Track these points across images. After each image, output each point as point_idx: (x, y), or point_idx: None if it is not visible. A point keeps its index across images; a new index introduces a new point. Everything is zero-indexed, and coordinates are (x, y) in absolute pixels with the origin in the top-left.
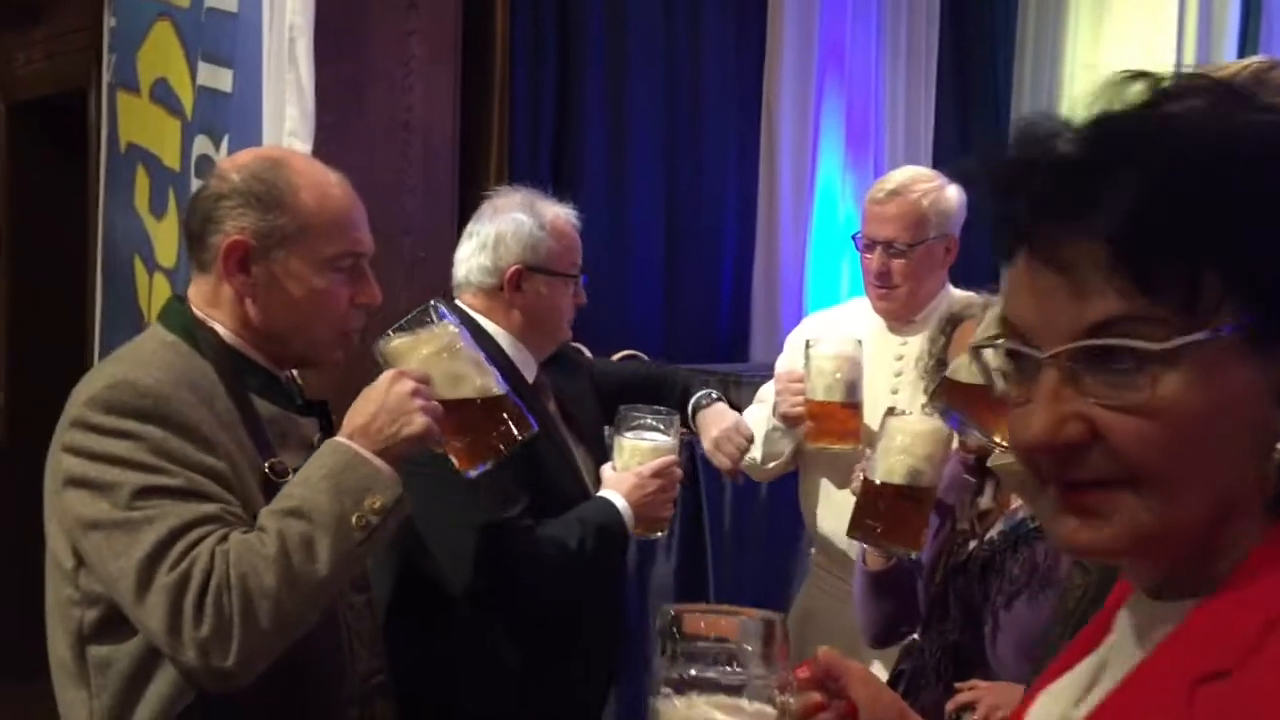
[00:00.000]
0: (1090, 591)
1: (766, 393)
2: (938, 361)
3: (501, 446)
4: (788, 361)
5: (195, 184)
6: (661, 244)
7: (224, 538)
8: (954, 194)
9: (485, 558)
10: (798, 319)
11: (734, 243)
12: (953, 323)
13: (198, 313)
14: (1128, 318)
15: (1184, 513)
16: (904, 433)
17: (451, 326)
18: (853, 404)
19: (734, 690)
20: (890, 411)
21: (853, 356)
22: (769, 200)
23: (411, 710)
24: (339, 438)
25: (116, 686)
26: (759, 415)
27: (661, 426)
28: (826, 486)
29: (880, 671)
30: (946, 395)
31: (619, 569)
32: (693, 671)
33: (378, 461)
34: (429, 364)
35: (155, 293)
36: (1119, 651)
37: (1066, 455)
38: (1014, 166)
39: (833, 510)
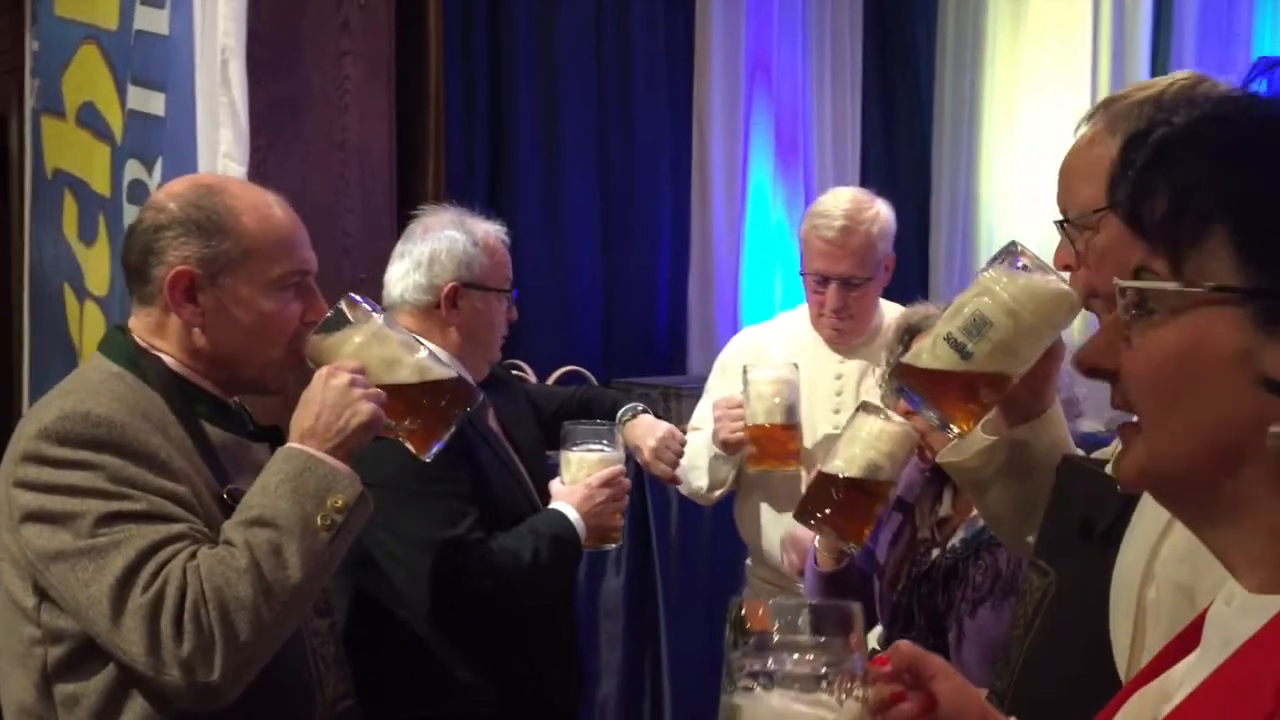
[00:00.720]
0: (1050, 593)
1: (700, 419)
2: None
3: (452, 416)
4: (719, 380)
5: (128, 209)
6: (598, 260)
7: (193, 554)
8: (887, 211)
9: (438, 573)
10: (734, 330)
11: (669, 256)
12: (910, 333)
13: (141, 342)
14: (1148, 269)
15: (1165, 450)
16: (871, 426)
17: (375, 315)
18: (792, 425)
19: (812, 682)
20: (863, 406)
21: (790, 379)
22: (702, 213)
23: None
24: (290, 444)
25: None
26: (698, 441)
27: (605, 439)
28: (766, 508)
29: None
30: (903, 378)
31: (572, 582)
32: (770, 664)
33: (333, 461)
34: (361, 353)
35: (87, 321)
36: (1206, 650)
37: (1100, 380)
38: (1125, 152)
39: (773, 529)
